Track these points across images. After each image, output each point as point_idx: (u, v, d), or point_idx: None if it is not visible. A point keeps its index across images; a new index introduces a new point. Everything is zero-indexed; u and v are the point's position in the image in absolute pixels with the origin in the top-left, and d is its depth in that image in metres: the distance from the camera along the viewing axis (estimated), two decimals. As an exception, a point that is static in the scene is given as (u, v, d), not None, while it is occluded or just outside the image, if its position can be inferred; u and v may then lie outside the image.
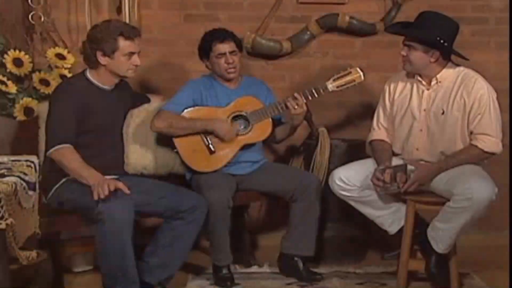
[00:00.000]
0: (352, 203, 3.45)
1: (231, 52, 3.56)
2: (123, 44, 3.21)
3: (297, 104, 3.47)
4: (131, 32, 3.23)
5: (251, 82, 3.73)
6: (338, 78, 3.54)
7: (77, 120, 3.18)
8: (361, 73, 3.53)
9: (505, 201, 3.54)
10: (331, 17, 4.11)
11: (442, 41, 3.24)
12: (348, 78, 3.54)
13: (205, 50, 3.59)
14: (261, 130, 3.58)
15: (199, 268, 3.60)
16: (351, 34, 4.17)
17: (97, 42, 3.21)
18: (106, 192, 2.95)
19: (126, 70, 3.25)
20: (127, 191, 3.04)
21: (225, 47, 3.55)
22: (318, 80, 3.91)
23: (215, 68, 3.59)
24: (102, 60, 3.22)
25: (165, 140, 3.60)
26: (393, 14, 4.12)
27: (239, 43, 3.64)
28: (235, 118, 3.57)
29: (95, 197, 2.96)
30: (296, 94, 3.50)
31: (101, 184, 2.98)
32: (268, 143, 3.85)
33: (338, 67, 3.70)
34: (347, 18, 4.09)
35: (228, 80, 3.62)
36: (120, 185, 3.03)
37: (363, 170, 3.40)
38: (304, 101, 3.50)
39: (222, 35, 3.57)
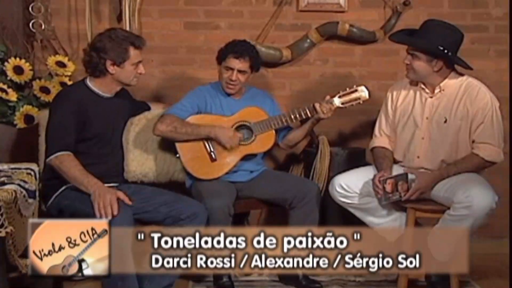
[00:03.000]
0: (352, 210, 3.45)
1: (240, 71, 3.52)
2: (133, 53, 3.23)
3: (330, 109, 3.50)
4: (140, 42, 3.27)
5: (255, 93, 3.72)
6: (344, 95, 3.55)
7: (77, 127, 3.19)
8: (367, 92, 3.54)
9: (505, 209, 3.53)
10: (331, 25, 4.12)
11: (445, 50, 3.25)
12: (354, 95, 3.55)
13: (220, 56, 3.56)
14: (264, 142, 3.58)
15: (200, 276, 3.59)
16: (351, 42, 4.18)
17: (106, 51, 3.20)
18: (109, 216, 2.95)
19: (132, 78, 3.27)
20: (129, 202, 3.04)
21: (237, 63, 3.50)
22: (318, 88, 3.94)
23: (220, 77, 3.59)
24: (111, 69, 3.22)
25: (165, 147, 3.61)
26: (393, 22, 4.13)
27: (255, 63, 3.56)
28: (239, 127, 3.57)
29: (98, 216, 2.96)
30: (330, 98, 3.51)
31: (103, 202, 2.97)
32: (273, 149, 3.84)
33: (338, 75, 3.71)
34: (347, 26, 4.10)
35: (227, 93, 3.62)
36: (121, 195, 3.04)
37: (364, 177, 3.40)
38: (309, 115, 3.53)
39: (241, 51, 3.50)
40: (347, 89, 3.56)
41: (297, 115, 3.54)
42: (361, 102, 3.57)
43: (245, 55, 3.51)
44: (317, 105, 3.50)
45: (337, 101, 3.54)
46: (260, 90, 3.84)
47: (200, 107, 3.58)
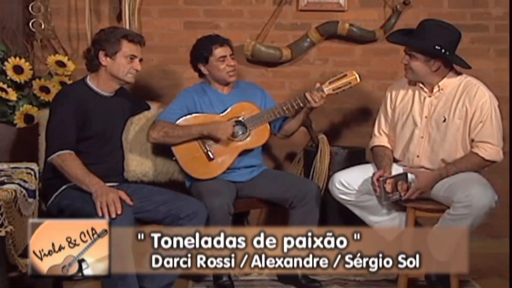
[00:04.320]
0: (351, 208, 3.45)
1: (230, 55, 3.59)
2: (126, 46, 3.25)
3: (322, 97, 3.50)
4: (135, 37, 3.29)
5: (245, 86, 3.73)
6: (333, 81, 3.54)
7: (77, 126, 3.19)
8: (357, 75, 3.54)
9: (505, 208, 3.54)
10: (331, 25, 4.11)
11: (443, 50, 3.25)
12: (344, 80, 3.54)
13: (202, 55, 3.58)
14: (259, 136, 3.58)
15: (199, 275, 3.59)
16: (351, 42, 4.18)
17: (101, 43, 3.26)
18: (113, 215, 2.95)
19: (125, 73, 3.27)
20: (130, 202, 3.05)
21: (226, 50, 3.57)
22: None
23: (215, 72, 3.59)
24: (104, 60, 3.24)
25: (165, 147, 3.61)
26: (392, 21, 4.12)
27: (233, 48, 3.67)
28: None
29: (100, 215, 2.96)
30: (320, 86, 3.52)
31: (106, 200, 2.97)
32: (272, 148, 3.84)
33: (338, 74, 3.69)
34: (347, 25, 4.10)
35: (227, 84, 3.62)
36: (123, 195, 3.04)
37: (364, 174, 3.41)
38: (301, 105, 3.53)
39: (220, 39, 3.60)
40: (337, 75, 3.56)
41: (289, 106, 3.55)
42: (352, 86, 3.55)
43: (225, 41, 3.61)
44: (307, 95, 3.51)
45: (327, 88, 3.54)
46: (249, 82, 3.84)
47: (189, 108, 3.58)
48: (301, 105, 3.54)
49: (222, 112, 3.58)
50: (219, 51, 3.56)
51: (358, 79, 3.54)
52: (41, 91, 3.79)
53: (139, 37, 3.33)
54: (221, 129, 3.49)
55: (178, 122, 3.54)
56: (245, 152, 3.58)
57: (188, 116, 3.56)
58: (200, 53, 3.59)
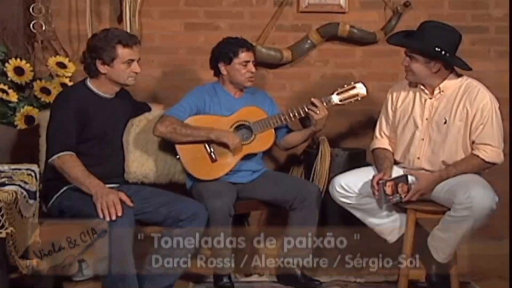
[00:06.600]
0: (352, 211, 3.45)
1: (253, 61, 3.59)
2: (122, 52, 3.22)
3: (318, 109, 3.50)
4: (129, 40, 3.25)
5: (254, 92, 3.73)
6: (342, 92, 3.56)
7: (78, 128, 3.19)
8: (365, 88, 3.56)
9: (505, 210, 3.53)
10: (332, 26, 4.12)
11: (443, 52, 3.25)
12: (352, 92, 3.56)
13: (227, 55, 3.56)
14: (263, 141, 3.58)
15: (200, 277, 3.59)
16: (352, 43, 4.18)
17: (96, 51, 3.23)
18: (114, 217, 2.95)
19: (126, 78, 3.27)
20: (130, 204, 3.05)
21: (250, 55, 3.57)
22: (319, 89, 3.94)
23: (235, 75, 3.58)
24: (102, 69, 3.24)
25: (166, 148, 3.61)
26: (393, 23, 4.13)
27: (256, 55, 3.68)
28: (238, 127, 3.58)
29: (101, 217, 2.96)
30: (314, 100, 3.52)
31: (106, 202, 2.97)
32: (273, 150, 3.84)
33: (339, 76, 3.69)
34: (347, 27, 4.10)
35: (242, 88, 3.62)
36: (123, 197, 3.04)
37: (364, 177, 3.40)
38: (307, 111, 3.53)
39: (247, 44, 3.60)
40: (345, 85, 3.57)
41: (296, 114, 3.55)
42: (359, 99, 3.58)
43: (251, 47, 3.61)
44: (314, 100, 3.51)
45: (335, 98, 3.55)
46: (259, 89, 3.84)
47: (199, 107, 3.58)
48: (307, 110, 3.53)
49: (230, 115, 3.58)
50: (244, 55, 3.56)
51: (366, 93, 3.56)
52: (42, 92, 3.80)
53: (134, 38, 3.29)
54: (230, 138, 3.50)
55: (185, 121, 3.53)
56: (248, 156, 3.59)
57: (196, 116, 3.55)
58: (225, 52, 3.57)
